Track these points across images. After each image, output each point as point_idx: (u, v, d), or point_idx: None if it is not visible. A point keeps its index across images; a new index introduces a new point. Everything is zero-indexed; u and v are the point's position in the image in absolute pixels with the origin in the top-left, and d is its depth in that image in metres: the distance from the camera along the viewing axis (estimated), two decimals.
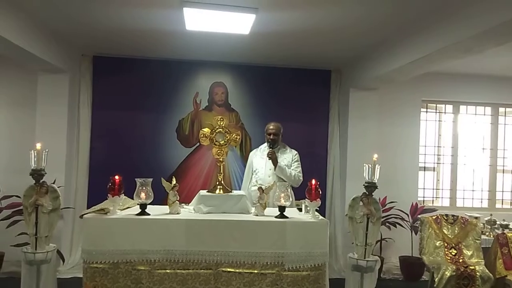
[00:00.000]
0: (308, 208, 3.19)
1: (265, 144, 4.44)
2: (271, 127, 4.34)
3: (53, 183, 3.48)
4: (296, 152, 4.44)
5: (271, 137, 4.29)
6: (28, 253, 2.80)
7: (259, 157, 4.45)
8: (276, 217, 3.05)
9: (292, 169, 4.30)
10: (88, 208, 3.80)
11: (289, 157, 4.36)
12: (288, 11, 3.74)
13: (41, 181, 2.86)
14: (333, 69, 5.89)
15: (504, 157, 6.32)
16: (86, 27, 4.38)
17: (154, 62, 5.55)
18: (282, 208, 3.07)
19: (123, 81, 5.53)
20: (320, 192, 3.13)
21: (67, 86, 5.21)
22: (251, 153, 4.66)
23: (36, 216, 2.81)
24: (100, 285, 2.80)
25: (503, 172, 6.34)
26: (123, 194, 3.06)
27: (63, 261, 4.84)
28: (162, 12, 3.83)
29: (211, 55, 5.38)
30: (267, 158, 4.25)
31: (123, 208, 3.11)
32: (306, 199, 3.15)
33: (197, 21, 3.95)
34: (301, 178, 4.29)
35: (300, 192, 3.35)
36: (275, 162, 4.20)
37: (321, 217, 3.15)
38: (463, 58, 3.94)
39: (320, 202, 3.13)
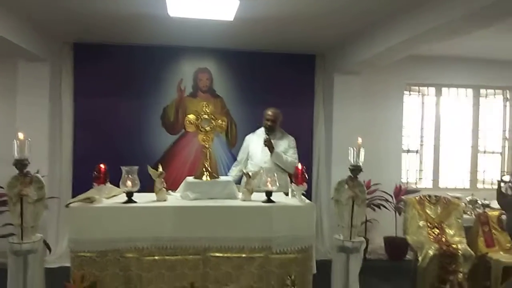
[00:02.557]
0: (294, 193, 3.22)
1: (262, 128, 4.44)
2: (270, 113, 4.35)
3: (37, 173, 3.43)
4: (293, 138, 4.46)
5: (269, 123, 4.31)
6: (14, 243, 2.77)
7: (255, 142, 4.45)
8: (263, 201, 3.08)
9: (289, 155, 4.33)
10: (73, 197, 3.78)
11: (285, 143, 4.39)
12: None
13: (25, 171, 2.82)
14: (318, 54, 5.89)
15: (485, 138, 6.44)
16: (66, 13, 4.27)
17: (137, 48, 5.47)
18: (269, 193, 3.10)
19: (106, 68, 5.45)
20: (307, 177, 3.17)
21: (48, 74, 5.13)
22: (247, 137, 4.66)
23: (21, 206, 2.78)
24: (88, 274, 2.79)
25: (484, 153, 6.49)
26: (108, 183, 3.04)
27: (50, 250, 4.81)
28: None
29: (195, 41, 5.33)
30: (263, 144, 4.26)
31: (109, 197, 3.10)
32: (292, 183, 3.19)
33: (180, 7, 3.90)
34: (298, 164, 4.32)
35: None
36: (271, 149, 4.22)
37: (307, 201, 3.19)
38: (446, 41, 3.99)
39: (306, 186, 3.17)
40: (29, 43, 4.46)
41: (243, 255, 2.94)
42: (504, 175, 6.03)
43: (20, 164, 2.78)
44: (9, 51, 4.56)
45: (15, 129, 4.53)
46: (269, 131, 4.29)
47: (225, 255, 2.93)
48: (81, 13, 4.24)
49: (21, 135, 2.77)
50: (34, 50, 4.60)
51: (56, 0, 3.90)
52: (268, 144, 4.21)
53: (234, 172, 4.58)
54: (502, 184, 4.38)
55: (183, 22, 4.39)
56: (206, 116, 3.38)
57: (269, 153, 4.26)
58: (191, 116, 3.42)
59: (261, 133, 4.45)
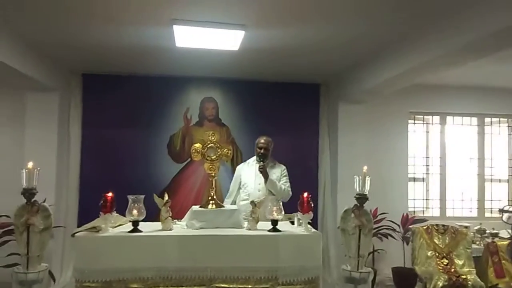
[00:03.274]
0: (300, 221, 3.20)
1: (254, 158, 4.43)
2: (262, 141, 4.35)
3: (44, 202, 3.45)
4: (284, 167, 4.44)
5: (262, 151, 4.29)
6: (19, 273, 2.76)
7: (247, 171, 4.44)
8: (269, 230, 3.06)
9: (281, 183, 4.31)
10: (79, 226, 3.77)
11: (278, 172, 4.37)
12: (276, 27, 3.81)
13: (32, 200, 2.84)
14: (322, 83, 5.97)
15: (491, 167, 6.41)
16: (76, 45, 4.39)
17: (144, 78, 5.57)
18: (274, 222, 3.08)
19: (113, 98, 5.54)
20: (312, 205, 3.15)
21: (57, 104, 5.21)
22: (238, 167, 4.64)
23: (28, 235, 2.78)
24: None
25: (491, 181, 6.44)
26: (115, 212, 3.04)
27: (54, 281, 4.76)
28: (152, 29, 3.87)
29: (201, 71, 5.42)
30: (258, 171, 4.24)
31: (115, 226, 3.09)
32: (298, 212, 3.17)
33: (187, 38, 4.00)
34: (290, 192, 4.29)
35: (292, 206, 3.37)
36: (266, 175, 4.20)
37: (313, 229, 3.16)
38: (447, 71, 4.04)
39: (312, 215, 3.14)
40: (38, 73, 4.55)
41: (249, 286, 2.90)
42: (507, 204, 5.95)
43: (28, 193, 2.81)
44: (18, 81, 4.65)
45: (22, 159, 4.59)
46: (262, 159, 4.27)
47: (231, 286, 2.89)
48: (90, 44, 4.35)
49: (30, 165, 2.80)
50: (43, 80, 4.69)
51: (65, 32, 4.01)
52: (263, 170, 4.19)
53: (227, 204, 4.51)
54: (503, 214, 4.35)
55: (190, 52, 4.48)
56: (212, 145, 3.40)
57: (262, 181, 4.23)
58: (197, 145, 3.44)
59: (252, 162, 4.43)
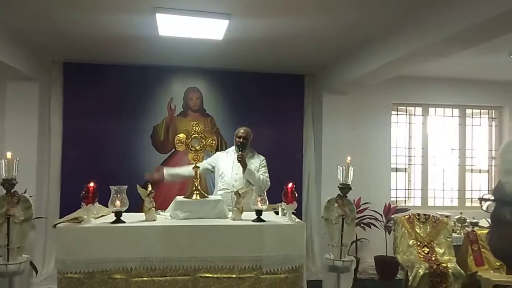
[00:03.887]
0: (284, 211, 3.22)
1: (233, 147, 4.41)
2: (242, 131, 4.33)
3: (24, 192, 3.39)
4: (263, 157, 4.43)
5: (241, 140, 4.26)
6: (0, 264, 2.72)
7: (226, 160, 4.41)
8: (253, 220, 3.07)
9: (260, 174, 4.31)
10: (60, 217, 3.73)
11: (256, 162, 4.35)
12: (260, 18, 3.79)
13: (12, 190, 2.79)
14: (307, 74, 5.97)
15: (472, 157, 6.53)
16: (56, 33, 4.30)
17: (127, 68, 5.49)
18: (259, 212, 3.09)
19: (95, 87, 5.45)
20: (296, 195, 3.17)
21: (37, 93, 5.12)
22: (217, 153, 4.55)
23: (8, 226, 2.73)
24: None
25: (472, 172, 6.56)
26: (97, 202, 3.01)
27: (36, 272, 4.72)
28: (134, 17, 3.81)
29: (185, 61, 5.37)
30: (236, 161, 4.22)
31: (97, 217, 3.06)
32: (282, 202, 3.18)
33: (170, 26, 3.95)
34: (269, 183, 4.28)
35: (276, 196, 3.38)
36: (244, 165, 4.18)
37: (297, 219, 3.18)
38: (431, 62, 4.08)
39: (296, 205, 3.15)
40: (18, 62, 4.45)
41: (233, 276, 2.91)
42: (487, 193, 6.08)
43: (8, 184, 2.75)
44: None
45: (2, 149, 4.50)
46: (241, 148, 4.26)
47: (215, 275, 2.90)
48: (71, 32, 4.27)
49: (9, 155, 2.75)
50: (23, 69, 4.59)
51: (46, 20, 3.93)
52: (242, 160, 4.18)
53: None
54: (483, 203, 4.43)
55: (173, 41, 4.43)
56: (196, 135, 3.39)
57: (239, 171, 4.22)
58: (181, 135, 3.42)
59: (231, 151, 4.42)
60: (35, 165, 5.07)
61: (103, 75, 5.47)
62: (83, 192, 2.88)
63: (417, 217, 4.67)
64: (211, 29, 4.01)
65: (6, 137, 4.98)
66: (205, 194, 3.40)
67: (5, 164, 2.74)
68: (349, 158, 3.17)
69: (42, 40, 4.56)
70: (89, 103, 5.44)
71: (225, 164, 4.35)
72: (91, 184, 2.89)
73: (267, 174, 4.34)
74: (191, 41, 4.41)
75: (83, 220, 2.89)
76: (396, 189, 6.34)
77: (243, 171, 4.17)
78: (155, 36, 4.22)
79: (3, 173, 2.75)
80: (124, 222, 2.93)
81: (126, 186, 3.00)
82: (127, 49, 4.86)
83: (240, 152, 4.18)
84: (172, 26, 3.94)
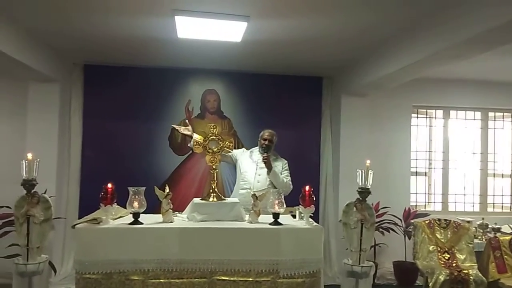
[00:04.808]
0: (302, 215, 3.19)
1: (257, 148, 4.43)
2: (267, 133, 4.37)
3: (44, 193, 3.44)
4: (286, 161, 4.45)
5: (266, 142, 4.31)
6: (19, 264, 2.76)
7: (248, 159, 4.43)
8: (270, 224, 3.04)
9: (283, 177, 4.32)
10: (79, 218, 3.76)
11: (279, 165, 4.38)
12: (279, 19, 3.77)
13: (32, 191, 2.82)
14: (325, 76, 5.92)
15: (494, 161, 6.38)
16: (77, 36, 4.36)
17: (146, 70, 5.54)
18: (276, 215, 3.07)
19: (115, 89, 5.51)
20: (314, 198, 3.13)
21: (58, 95, 5.19)
22: (240, 150, 4.59)
23: (28, 226, 2.77)
24: None
25: (494, 176, 6.41)
26: (115, 203, 3.03)
27: (55, 272, 4.78)
28: (154, 20, 3.84)
29: (203, 63, 5.39)
30: (260, 162, 4.24)
31: (115, 218, 3.08)
32: (300, 205, 3.15)
33: (189, 29, 3.96)
34: (291, 186, 4.29)
35: (293, 199, 3.36)
36: (270, 166, 4.21)
37: (315, 223, 3.14)
38: (452, 64, 4.00)
39: (314, 209, 3.12)
40: (40, 64, 4.53)
41: (250, 279, 2.89)
42: None
43: (28, 184, 2.80)
44: (19, 72, 4.64)
45: (24, 149, 4.58)
46: (266, 151, 4.28)
47: (232, 278, 2.88)
48: (92, 35, 4.33)
49: (30, 155, 2.79)
50: (44, 71, 4.67)
51: (67, 23, 3.99)
52: (267, 161, 4.20)
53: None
54: None
55: (192, 44, 4.44)
56: (213, 137, 3.38)
57: (262, 172, 4.24)
58: (199, 137, 3.42)
59: (256, 151, 4.44)
60: (55, 166, 5.14)
61: (122, 77, 5.53)
62: (102, 193, 2.90)
63: (438, 222, 4.58)
64: (230, 31, 4.01)
65: (28, 137, 5.06)
66: (222, 197, 3.39)
67: (25, 165, 2.78)
68: (368, 161, 3.12)
69: (63, 43, 4.63)
70: (109, 104, 5.50)
71: (248, 163, 4.38)
72: (109, 185, 2.91)
73: (289, 178, 4.36)
74: (209, 43, 4.42)
75: (101, 221, 2.91)
76: (416, 193, 6.23)
77: (268, 172, 4.19)
78: (174, 39, 4.24)
79: (24, 173, 2.79)
80: (141, 223, 2.94)
81: (144, 188, 3.02)
82: (146, 52, 4.90)
83: (265, 154, 4.22)
84: (190, 29, 3.96)
